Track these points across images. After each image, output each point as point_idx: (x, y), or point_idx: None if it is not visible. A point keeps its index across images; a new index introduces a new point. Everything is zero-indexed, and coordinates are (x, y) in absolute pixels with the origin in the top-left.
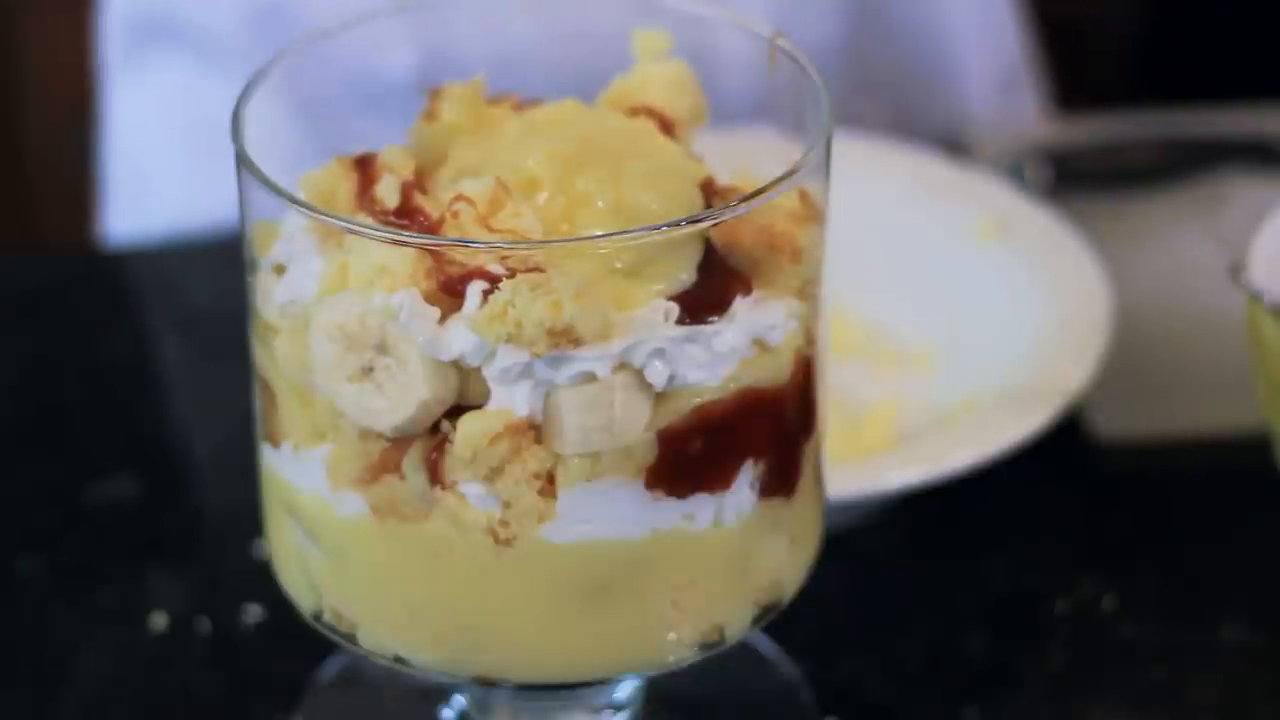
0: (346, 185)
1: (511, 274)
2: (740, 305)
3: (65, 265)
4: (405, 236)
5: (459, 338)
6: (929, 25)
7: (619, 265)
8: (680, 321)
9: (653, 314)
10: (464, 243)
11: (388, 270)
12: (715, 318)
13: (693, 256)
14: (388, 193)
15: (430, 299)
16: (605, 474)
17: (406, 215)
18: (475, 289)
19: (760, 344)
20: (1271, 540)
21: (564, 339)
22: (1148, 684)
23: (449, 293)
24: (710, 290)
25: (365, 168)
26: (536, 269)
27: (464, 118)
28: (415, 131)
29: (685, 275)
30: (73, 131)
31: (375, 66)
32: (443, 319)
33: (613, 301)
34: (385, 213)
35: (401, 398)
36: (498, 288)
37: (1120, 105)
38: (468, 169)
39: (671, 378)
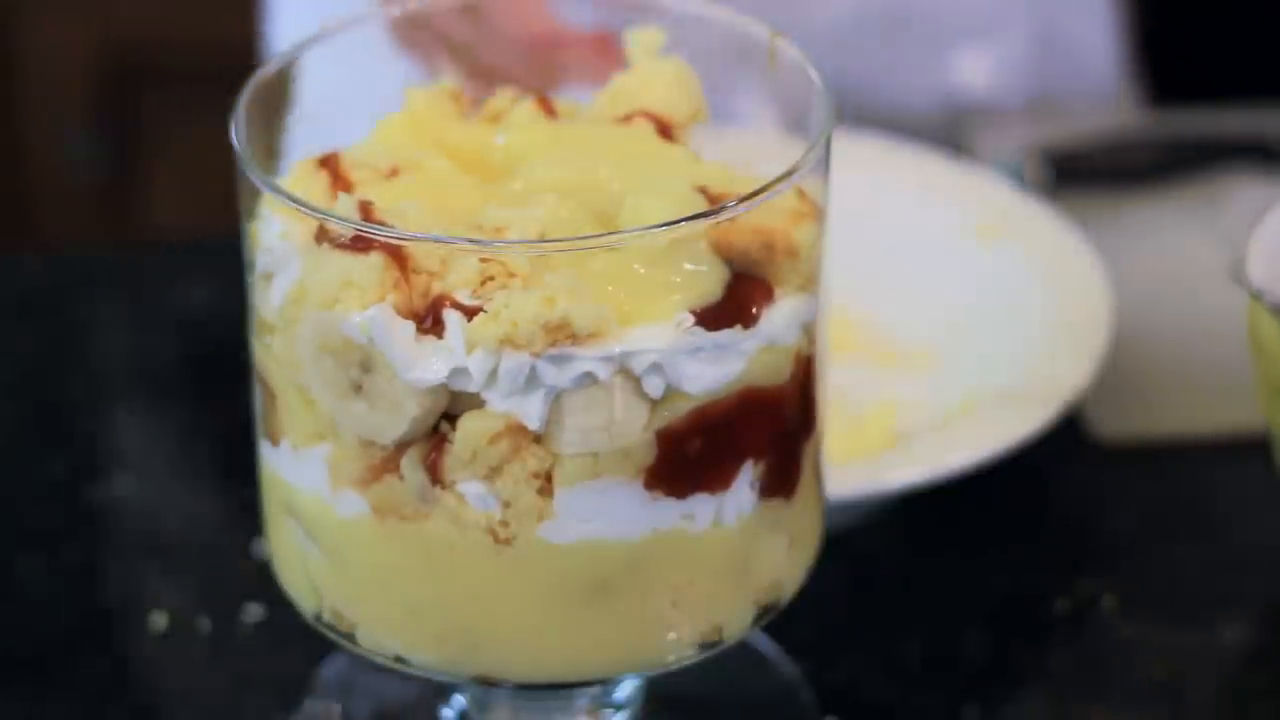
0: (317, 186)
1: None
2: (764, 314)
3: (65, 265)
4: (391, 234)
5: (442, 361)
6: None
7: (633, 271)
8: (698, 327)
9: (665, 325)
10: (473, 242)
11: (355, 284)
12: (739, 327)
13: (713, 265)
14: (346, 211)
15: (403, 312)
16: (604, 474)
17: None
18: (453, 317)
19: (768, 346)
20: (1271, 540)
21: (560, 334)
22: (1148, 684)
23: (422, 321)
24: (735, 302)
25: (330, 167)
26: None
27: (437, 119)
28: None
29: (709, 287)
30: (71, 131)
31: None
32: (420, 334)
33: (630, 313)
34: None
35: (393, 413)
36: (482, 310)
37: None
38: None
39: (670, 386)
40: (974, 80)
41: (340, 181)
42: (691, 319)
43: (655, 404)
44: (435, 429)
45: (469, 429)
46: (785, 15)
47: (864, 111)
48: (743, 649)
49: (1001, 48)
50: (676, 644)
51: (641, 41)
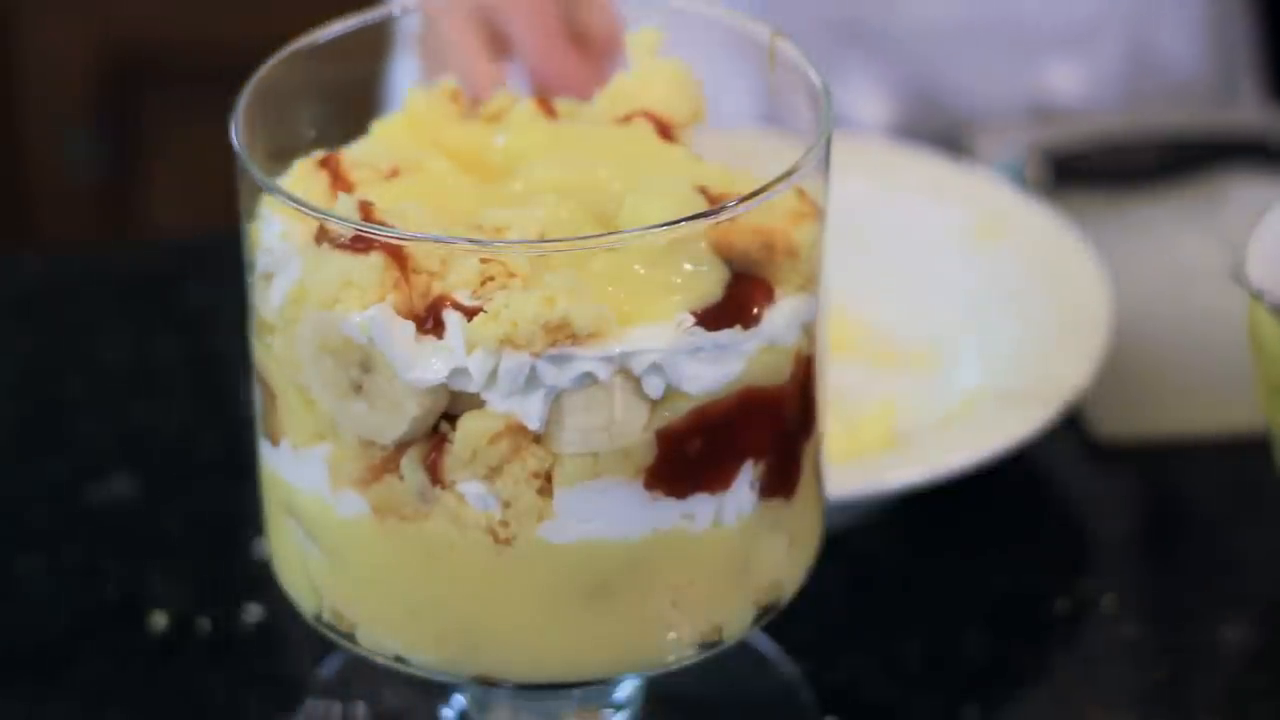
0: (317, 186)
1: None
2: (764, 314)
3: (65, 265)
4: (391, 234)
5: (442, 361)
6: None
7: (633, 272)
8: (698, 327)
9: (665, 325)
10: (473, 242)
11: (355, 284)
12: (739, 327)
13: (713, 265)
14: (346, 211)
15: (403, 312)
16: (604, 474)
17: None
18: (453, 317)
19: (768, 346)
20: (1271, 540)
21: (560, 334)
22: (1148, 684)
23: (422, 322)
24: (736, 302)
25: (330, 167)
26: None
27: (437, 119)
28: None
29: (709, 287)
30: (71, 131)
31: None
32: (420, 334)
33: (630, 313)
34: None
35: (393, 413)
36: (482, 310)
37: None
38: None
39: (670, 386)
40: (1066, 89)
41: (340, 182)
42: (692, 319)
43: (655, 404)
44: (435, 429)
45: (469, 429)
46: (881, 16)
47: (951, 115)
48: (743, 649)
49: (1095, 59)
50: (676, 644)
51: (641, 42)
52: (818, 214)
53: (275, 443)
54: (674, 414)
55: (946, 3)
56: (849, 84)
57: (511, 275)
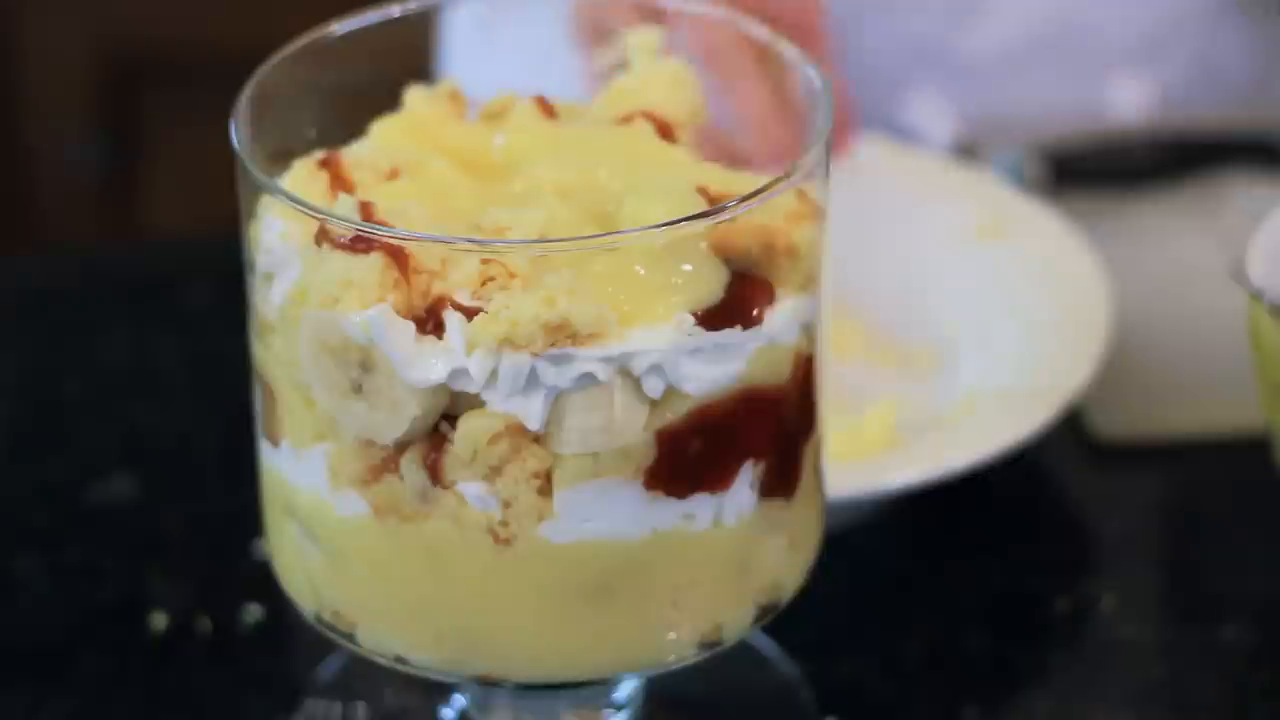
0: (317, 186)
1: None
2: (764, 314)
3: (65, 265)
4: (391, 234)
5: (442, 362)
6: None
7: (634, 272)
8: (698, 327)
9: (665, 325)
10: (473, 242)
11: (355, 284)
12: (739, 327)
13: (713, 265)
14: (346, 211)
15: (403, 312)
16: (604, 474)
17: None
18: (453, 317)
19: (768, 346)
20: (1271, 540)
21: (560, 334)
22: (1148, 684)
23: (422, 322)
24: (736, 302)
25: (331, 167)
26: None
27: (438, 120)
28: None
29: (709, 287)
30: (71, 132)
31: None
32: (420, 334)
33: (630, 313)
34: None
35: (394, 413)
36: (482, 310)
37: None
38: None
39: (670, 386)
40: (1134, 103)
41: (340, 182)
42: (692, 319)
43: (655, 404)
44: (435, 429)
45: (469, 429)
46: (951, 36)
47: (1016, 132)
48: (743, 649)
49: (1161, 72)
50: (676, 644)
51: (640, 44)
52: (818, 214)
53: (275, 443)
54: (674, 414)
55: (1015, 22)
56: (919, 101)
57: (511, 275)
